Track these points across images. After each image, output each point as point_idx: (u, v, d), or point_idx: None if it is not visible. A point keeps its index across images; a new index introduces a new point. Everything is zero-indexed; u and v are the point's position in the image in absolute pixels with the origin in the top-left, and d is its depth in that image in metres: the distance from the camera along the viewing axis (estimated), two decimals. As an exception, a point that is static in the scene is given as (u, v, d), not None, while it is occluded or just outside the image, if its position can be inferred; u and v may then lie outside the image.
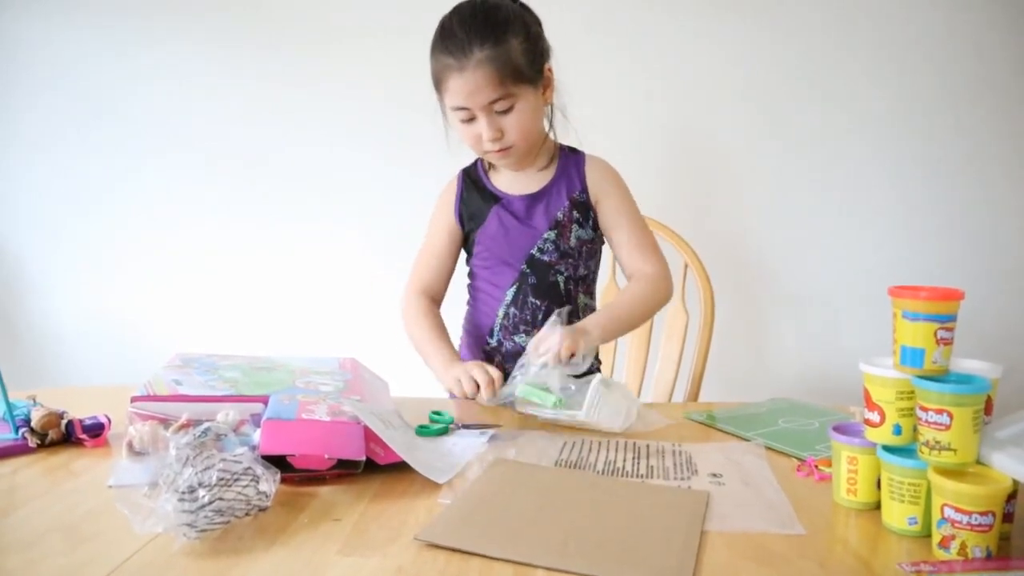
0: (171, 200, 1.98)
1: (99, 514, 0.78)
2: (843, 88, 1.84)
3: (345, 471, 0.87)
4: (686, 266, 1.57)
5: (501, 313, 1.30)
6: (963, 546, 0.69)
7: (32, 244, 2.03)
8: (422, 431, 1.03)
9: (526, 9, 1.22)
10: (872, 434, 0.79)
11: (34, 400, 1.04)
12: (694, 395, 1.52)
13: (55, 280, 2.03)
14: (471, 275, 1.37)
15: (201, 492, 0.71)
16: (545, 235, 1.28)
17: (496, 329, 1.31)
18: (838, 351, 1.90)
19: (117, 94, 1.95)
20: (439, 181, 1.37)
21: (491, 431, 1.05)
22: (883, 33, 1.82)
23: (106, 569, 0.67)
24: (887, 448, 0.78)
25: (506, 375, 1.26)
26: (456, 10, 1.18)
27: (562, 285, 1.30)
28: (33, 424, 0.98)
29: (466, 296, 1.40)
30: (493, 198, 1.30)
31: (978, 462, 0.72)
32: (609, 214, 1.30)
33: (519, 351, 1.24)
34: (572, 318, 1.29)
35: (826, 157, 1.87)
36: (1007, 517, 0.73)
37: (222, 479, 0.72)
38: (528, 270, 1.28)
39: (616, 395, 1.07)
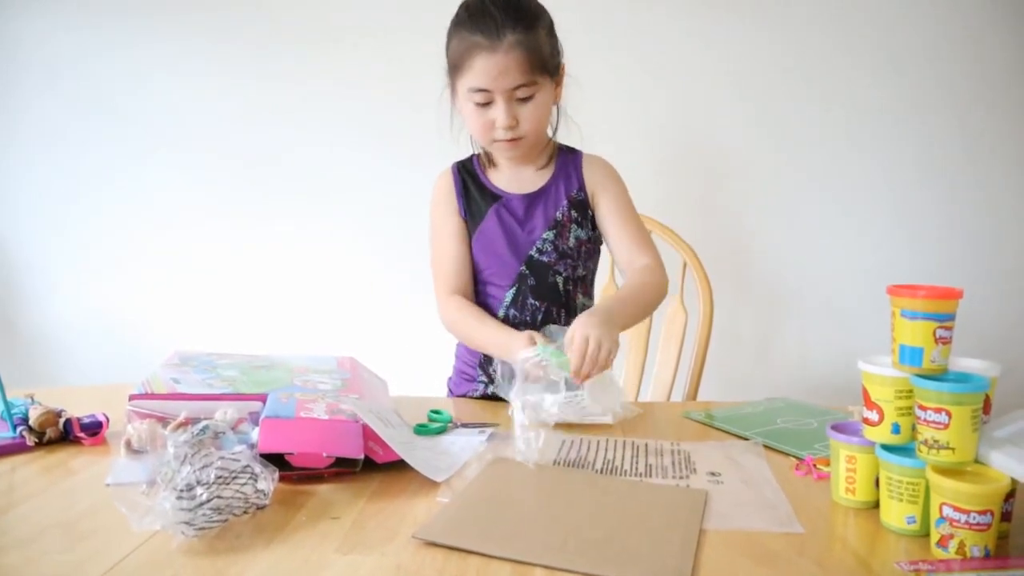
0: (170, 199, 1.98)
1: (97, 512, 0.78)
2: (843, 88, 1.84)
3: (343, 469, 0.87)
4: (685, 265, 1.57)
5: (500, 315, 1.29)
6: (961, 545, 0.69)
7: (32, 243, 2.03)
8: (421, 430, 1.03)
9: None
10: (871, 433, 0.79)
11: (32, 399, 1.04)
12: (693, 394, 1.52)
13: (54, 279, 2.03)
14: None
15: (199, 490, 0.70)
16: (544, 235, 1.27)
17: None
18: (837, 350, 1.90)
19: (117, 93, 1.95)
20: (433, 188, 1.37)
21: (489, 430, 1.04)
22: (883, 33, 1.82)
23: (104, 567, 0.67)
24: (886, 447, 0.78)
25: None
26: None
27: (561, 286, 1.29)
28: (31, 422, 0.98)
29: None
30: (492, 196, 1.29)
31: (976, 461, 0.72)
32: (605, 208, 1.30)
33: None
34: (571, 319, 1.29)
35: (825, 156, 1.87)
36: (1005, 516, 0.73)
37: (220, 477, 0.72)
38: (527, 271, 1.27)
39: (613, 385, 1.06)
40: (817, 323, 1.91)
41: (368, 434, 0.90)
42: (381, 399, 1.12)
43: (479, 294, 1.33)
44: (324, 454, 0.85)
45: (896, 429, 0.77)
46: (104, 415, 1.03)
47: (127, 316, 2.02)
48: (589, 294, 1.36)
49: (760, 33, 1.83)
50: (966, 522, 0.68)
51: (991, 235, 1.86)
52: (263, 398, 0.97)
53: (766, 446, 1.01)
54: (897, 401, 0.77)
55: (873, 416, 0.79)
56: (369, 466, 0.88)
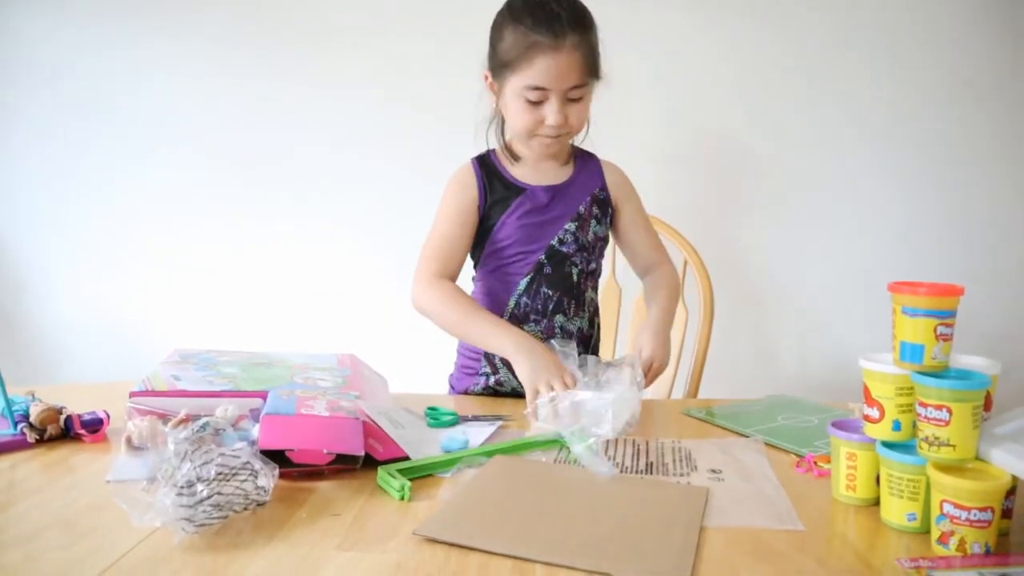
0: (170, 198, 1.98)
1: (97, 509, 0.78)
2: (843, 87, 1.84)
3: (344, 466, 0.87)
4: (685, 263, 1.57)
5: (512, 303, 1.30)
6: (962, 542, 0.69)
7: (32, 241, 2.03)
8: (434, 424, 1.04)
9: None
10: (871, 430, 0.79)
11: (33, 396, 1.04)
12: (693, 392, 1.52)
13: (55, 277, 2.03)
14: (480, 264, 1.35)
15: (199, 487, 0.70)
16: (566, 226, 1.29)
17: (505, 318, 1.30)
18: (838, 347, 1.90)
19: (117, 92, 1.95)
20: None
21: (499, 421, 1.06)
22: (885, 32, 1.82)
23: (104, 563, 0.67)
24: (886, 444, 0.78)
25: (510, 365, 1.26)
26: None
27: (575, 278, 1.31)
28: (32, 419, 0.98)
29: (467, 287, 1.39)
30: (516, 189, 1.30)
31: (977, 458, 0.72)
32: (629, 216, 1.37)
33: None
34: (579, 311, 1.31)
35: (825, 155, 1.87)
36: (1006, 513, 0.73)
37: (220, 474, 0.72)
38: (546, 260, 1.29)
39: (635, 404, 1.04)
40: (818, 321, 1.91)
41: (369, 431, 0.90)
42: (381, 396, 1.13)
43: (490, 281, 1.33)
44: (324, 451, 0.85)
45: (897, 426, 0.77)
46: (105, 412, 1.03)
47: (127, 315, 2.02)
48: (595, 288, 1.38)
49: (761, 32, 1.83)
50: (967, 519, 0.68)
51: (993, 233, 1.86)
52: (263, 395, 0.97)
53: (767, 443, 1.01)
54: (898, 398, 0.77)
55: (874, 413, 0.79)
56: (370, 463, 0.88)
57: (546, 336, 1.28)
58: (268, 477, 0.76)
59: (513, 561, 0.67)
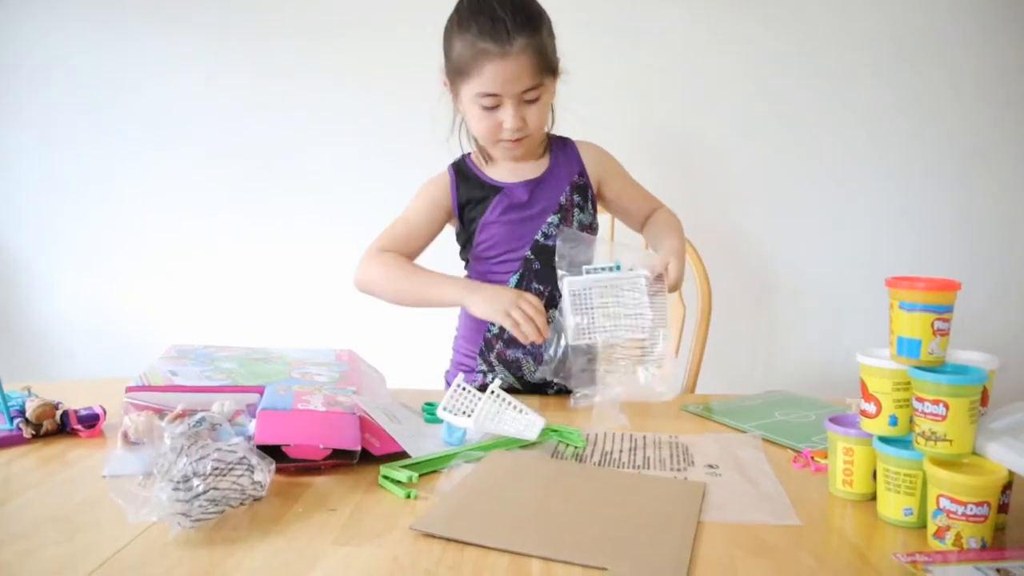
0: (168, 194, 1.97)
1: (94, 504, 0.78)
2: (843, 82, 1.83)
3: (340, 461, 0.87)
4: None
5: None
6: (958, 536, 0.69)
7: (29, 238, 2.02)
8: (431, 419, 1.04)
9: None
10: (868, 425, 0.79)
11: (29, 391, 1.04)
12: (691, 387, 1.52)
13: (52, 274, 2.02)
14: (469, 266, 1.36)
15: (196, 482, 0.70)
16: (549, 219, 1.28)
17: None
18: (835, 344, 1.90)
19: (116, 89, 1.94)
20: (434, 174, 1.36)
21: None
22: (885, 27, 1.81)
23: (101, 558, 0.67)
24: (883, 439, 0.78)
25: (510, 364, 1.26)
26: None
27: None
28: (28, 415, 0.98)
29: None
30: (493, 189, 1.29)
31: (974, 453, 0.72)
32: (618, 187, 1.36)
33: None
34: None
35: (824, 150, 1.86)
36: (1002, 508, 0.73)
37: (217, 469, 0.72)
38: (532, 256, 1.28)
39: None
40: (815, 316, 1.91)
41: (365, 426, 0.90)
42: (379, 392, 1.13)
43: (482, 281, 1.31)
44: (321, 446, 0.85)
45: (894, 421, 0.77)
46: (101, 407, 1.02)
47: (125, 311, 2.01)
48: None
49: (760, 27, 1.82)
50: (963, 514, 0.69)
51: (990, 228, 1.86)
52: (260, 390, 0.97)
53: (764, 439, 1.01)
54: (895, 393, 0.77)
55: (871, 408, 0.79)
56: (367, 458, 0.88)
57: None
58: (264, 472, 0.76)
59: (510, 556, 0.67)
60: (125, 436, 0.91)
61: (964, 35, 1.81)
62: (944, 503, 0.69)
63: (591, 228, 1.33)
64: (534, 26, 1.16)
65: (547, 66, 1.18)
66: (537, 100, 1.19)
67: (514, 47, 1.13)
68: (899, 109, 1.84)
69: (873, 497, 0.79)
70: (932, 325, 0.74)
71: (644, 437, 1.01)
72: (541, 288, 1.28)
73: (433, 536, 0.71)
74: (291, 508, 0.77)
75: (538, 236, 1.28)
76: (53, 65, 1.94)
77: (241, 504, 0.74)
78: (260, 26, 1.89)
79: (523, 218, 1.28)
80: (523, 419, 0.96)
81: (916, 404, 0.73)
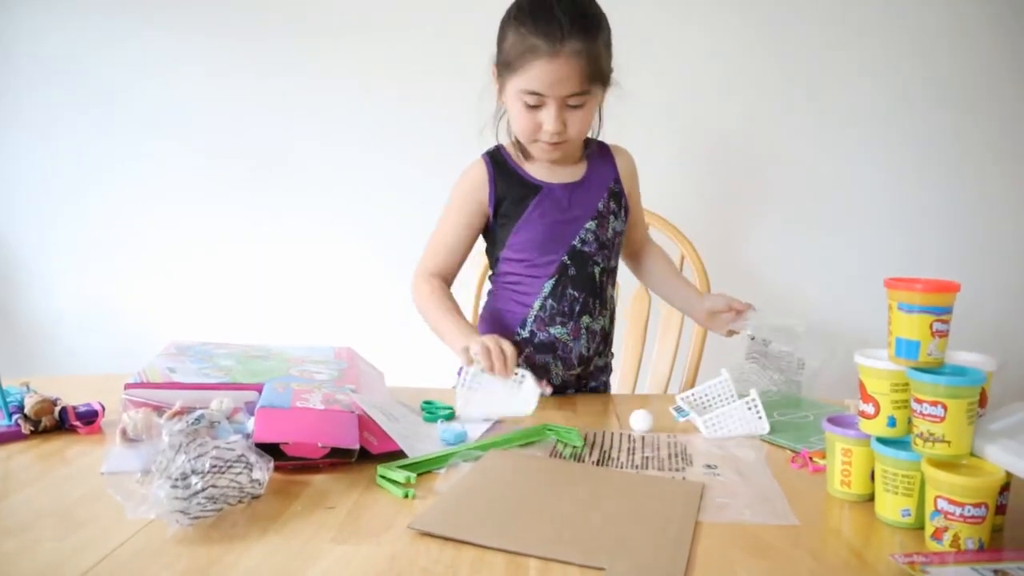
0: (168, 190, 1.97)
1: (92, 500, 0.78)
2: (840, 86, 1.83)
3: (339, 460, 0.87)
4: (683, 258, 1.57)
5: (537, 305, 1.26)
6: (956, 538, 0.69)
7: (29, 234, 2.01)
8: (430, 417, 1.04)
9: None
10: (867, 426, 0.79)
11: (27, 387, 1.04)
12: (689, 387, 1.52)
13: (52, 270, 2.02)
14: (497, 265, 1.32)
15: (194, 479, 0.70)
16: (587, 225, 1.26)
17: (529, 320, 1.27)
18: (835, 344, 1.89)
19: (116, 83, 1.93)
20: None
21: (495, 417, 1.06)
22: (886, 30, 1.81)
23: (99, 555, 0.66)
24: (881, 440, 0.78)
25: (539, 369, 1.25)
26: None
27: (597, 277, 1.28)
28: (27, 411, 0.98)
29: (485, 286, 1.39)
30: (533, 187, 1.26)
31: (972, 454, 0.72)
32: (632, 206, 1.35)
33: (552, 343, 1.25)
34: (603, 310, 1.30)
35: (823, 153, 1.86)
36: (1000, 509, 0.74)
37: (215, 466, 0.72)
38: (569, 261, 1.25)
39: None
40: (814, 317, 1.91)
41: (364, 424, 0.90)
42: (378, 390, 1.12)
43: (511, 283, 1.30)
44: (319, 444, 0.85)
45: (892, 422, 0.77)
46: (100, 404, 1.02)
47: (125, 308, 2.01)
48: (614, 285, 1.35)
49: (758, 31, 1.82)
50: (961, 515, 0.69)
51: (988, 230, 1.86)
52: (259, 388, 0.97)
53: (762, 440, 1.01)
54: (893, 394, 0.77)
55: (869, 409, 0.79)
56: (365, 457, 0.88)
57: (572, 337, 1.26)
58: (263, 470, 0.76)
59: (507, 555, 0.67)
60: (124, 433, 0.91)
61: (962, 38, 1.81)
62: (942, 504, 0.70)
63: (621, 236, 1.32)
64: (591, 32, 1.13)
65: (598, 74, 1.16)
66: (581, 107, 1.17)
67: (565, 49, 1.11)
68: (897, 113, 1.84)
69: (871, 498, 0.80)
70: (931, 326, 0.74)
71: (643, 437, 1.01)
72: (576, 294, 1.26)
73: (431, 535, 0.71)
74: (289, 506, 0.77)
75: (575, 242, 1.25)
76: (55, 64, 1.93)
77: (239, 502, 0.74)
78: (260, 26, 1.89)
79: (561, 221, 1.25)
80: (517, 391, 0.97)
81: (914, 405, 0.73)
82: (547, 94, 1.14)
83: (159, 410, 0.93)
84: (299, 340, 1.33)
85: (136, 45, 1.92)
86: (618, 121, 1.77)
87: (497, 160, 1.28)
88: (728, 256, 1.86)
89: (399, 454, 0.89)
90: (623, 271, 1.42)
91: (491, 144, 1.31)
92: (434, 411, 1.07)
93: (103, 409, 1.02)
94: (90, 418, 1.01)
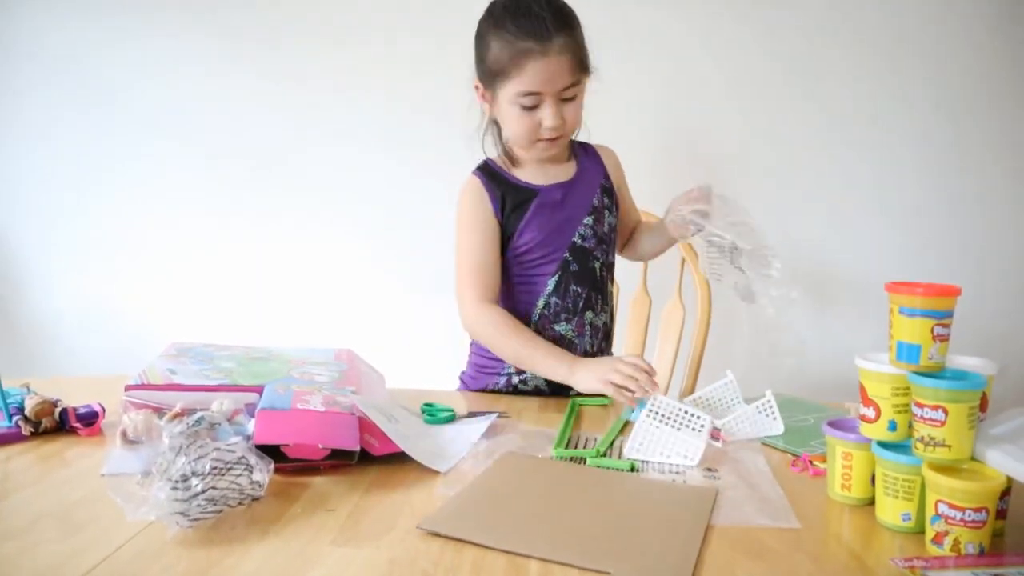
0: (170, 191, 1.97)
1: (92, 502, 0.78)
2: (841, 86, 1.84)
3: (339, 461, 0.87)
4: (683, 261, 1.57)
5: (542, 303, 1.28)
6: (956, 542, 0.69)
7: (30, 234, 2.02)
8: (430, 420, 1.04)
9: None
10: (867, 430, 0.79)
11: (28, 388, 1.04)
12: (690, 390, 1.52)
13: (52, 270, 2.02)
14: (503, 269, 1.32)
15: (194, 481, 0.70)
16: (584, 220, 1.29)
17: (535, 319, 1.28)
18: (835, 346, 1.90)
19: (118, 87, 1.94)
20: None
21: (494, 416, 1.06)
22: (885, 32, 1.82)
23: (99, 556, 0.66)
24: (882, 444, 0.78)
25: None
26: None
27: (598, 271, 1.31)
28: (27, 412, 0.98)
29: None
30: (529, 192, 1.28)
31: (972, 459, 0.72)
32: (624, 197, 1.40)
33: (558, 340, 1.27)
34: (604, 305, 1.33)
35: (824, 154, 1.86)
36: (1000, 514, 0.73)
37: (215, 468, 0.72)
38: (570, 257, 1.28)
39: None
40: (814, 319, 1.91)
41: (364, 426, 0.90)
42: (378, 392, 1.12)
43: (516, 284, 1.31)
44: (320, 446, 0.85)
45: (893, 426, 0.77)
46: (100, 405, 1.02)
47: (124, 307, 2.01)
48: (613, 280, 1.39)
49: (765, 29, 1.82)
50: (961, 519, 0.69)
51: (989, 233, 1.86)
52: (259, 390, 0.97)
53: (763, 443, 1.01)
54: (894, 398, 0.77)
55: (870, 413, 0.79)
56: (366, 459, 0.88)
57: (577, 334, 1.29)
58: (263, 472, 0.76)
59: (507, 557, 0.67)
60: (124, 434, 0.91)
61: (961, 38, 1.81)
62: (942, 508, 0.69)
63: (615, 231, 1.36)
64: (571, 24, 1.18)
65: (584, 63, 1.20)
66: (574, 98, 1.21)
67: (555, 45, 1.14)
68: (897, 114, 1.84)
69: (871, 502, 0.79)
70: (932, 331, 0.74)
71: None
72: (579, 289, 1.28)
73: (433, 536, 0.71)
74: (289, 508, 0.77)
75: (575, 238, 1.28)
76: (57, 64, 1.94)
77: (239, 504, 0.74)
78: (261, 26, 1.89)
79: (560, 220, 1.28)
80: (693, 438, 0.94)
81: (915, 409, 0.73)
82: (544, 91, 1.17)
83: (159, 412, 0.93)
84: (299, 341, 1.33)
85: (136, 46, 1.92)
86: (617, 120, 1.77)
87: (489, 172, 1.30)
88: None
89: (401, 456, 0.88)
90: (621, 272, 1.42)
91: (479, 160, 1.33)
92: (435, 413, 1.06)
93: (103, 411, 1.02)
94: (90, 420, 1.00)
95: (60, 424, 1.00)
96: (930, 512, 0.71)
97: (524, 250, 1.28)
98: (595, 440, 1.00)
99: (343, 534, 0.72)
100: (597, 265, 1.31)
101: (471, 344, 1.39)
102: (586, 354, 1.29)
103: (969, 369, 0.76)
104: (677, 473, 0.89)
